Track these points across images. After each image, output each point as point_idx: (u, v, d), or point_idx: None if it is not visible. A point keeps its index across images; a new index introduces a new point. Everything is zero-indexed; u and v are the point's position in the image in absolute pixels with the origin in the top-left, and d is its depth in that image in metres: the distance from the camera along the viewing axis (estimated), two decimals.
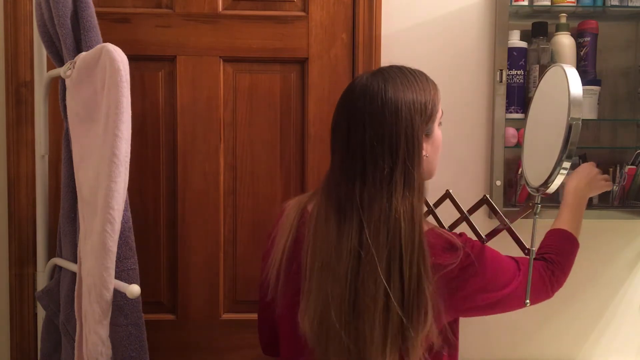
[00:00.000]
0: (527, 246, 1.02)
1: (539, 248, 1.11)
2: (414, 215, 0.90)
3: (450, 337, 0.95)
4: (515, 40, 1.48)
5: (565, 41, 1.46)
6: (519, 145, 1.49)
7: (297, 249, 0.98)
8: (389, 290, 0.87)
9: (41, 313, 1.38)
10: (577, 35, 1.50)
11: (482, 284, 0.95)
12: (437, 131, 1.00)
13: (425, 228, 0.94)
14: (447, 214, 1.19)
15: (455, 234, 0.99)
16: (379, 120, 0.91)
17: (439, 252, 0.92)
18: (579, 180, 1.22)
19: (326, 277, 0.91)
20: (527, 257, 1.00)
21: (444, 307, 0.90)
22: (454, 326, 0.99)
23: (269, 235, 1.07)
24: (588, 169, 1.25)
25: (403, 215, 0.89)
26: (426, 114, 0.94)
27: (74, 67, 1.13)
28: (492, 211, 1.11)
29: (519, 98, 1.48)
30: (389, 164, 0.90)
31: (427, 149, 0.97)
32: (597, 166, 1.51)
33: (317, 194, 1.00)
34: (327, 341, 0.90)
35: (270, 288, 1.00)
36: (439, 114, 0.99)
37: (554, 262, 1.07)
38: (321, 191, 0.98)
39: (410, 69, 0.98)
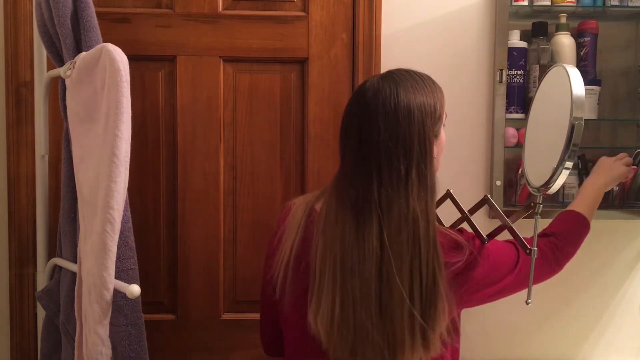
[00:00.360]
0: (529, 246, 1.02)
1: (547, 227, 1.16)
2: (429, 214, 0.93)
3: (455, 328, 0.98)
4: (515, 40, 1.48)
5: (565, 41, 1.46)
6: (519, 145, 1.49)
7: (305, 248, 0.98)
8: (412, 289, 0.90)
9: (41, 313, 1.38)
10: (577, 35, 1.50)
11: (484, 277, 0.98)
12: (443, 133, 1.03)
13: None
14: (447, 214, 1.19)
15: (456, 231, 1.01)
16: (393, 122, 0.93)
17: (447, 251, 0.95)
18: (596, 177, 1.27)
19: (343, 278, 0.91)
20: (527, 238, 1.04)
21: (453, 302, 0.94)
22: (457, 317, 1.02)
23: (274, 234, 1.07)
24: (605, 163, 1.31)
25: (420, 214, 0.92)
26: (435, 116, 0.97)
27: (74, 67, 1.13)
28: (493, 211, 1.11)
29: (519, 98, 1.48)
30: (404, 165, 0.92)
31: (435, 150, 0.99)
32: None
33: (326, 194, 1.01)
34: (354, 342, 0.91)
35: (278, 287, 1.00)
36: (445, 116, 1.02)
37: (557, 235, 1.12)
38: (331, 192, 0.99)
39: (417, 72, 1.00)
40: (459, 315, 1.03)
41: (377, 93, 0.95)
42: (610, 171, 1.28)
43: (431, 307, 0.90)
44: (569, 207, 1.22)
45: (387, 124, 0.93)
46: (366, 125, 0.94)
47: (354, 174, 0.95)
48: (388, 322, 0.90)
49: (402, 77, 0.97)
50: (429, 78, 1.01)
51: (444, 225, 1.21)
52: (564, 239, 1.12)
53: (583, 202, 1.23)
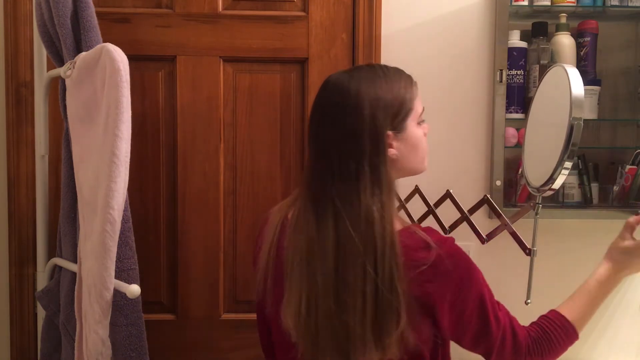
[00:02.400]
0: (528, 246, 1.02)
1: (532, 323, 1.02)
2: (384, 213, 0.89)
3: (437, 346, 0.93)
4: (515, 40, 1.48)
5: (565, 41, 1.46)
6: (519, 145, 1.49)
7: (280, 250, 0.98)
8: (366, 288, 0.87)
9: (41, 313, 1.38)
10: (577, 35, 1.50)
11: (450, 290, 0.90)
12: (413, 129, 0.97)
13: (399, 227, 0.93)
14: (447, 214, 1.19)
15: (429, 230, 0.94)
16: (342, 118, 0.92)
17: (413, 251, 0.90)
18: (626, 256, 1.06)
19: (308, 272, 0.91)
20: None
21: (417, 304, 0.88)
22: (443, 338, 0.94)
23: (256, 245, 1.08)
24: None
25: (374, 212, 0.89)
26: (392, 110, 0.93)
27: (74, 67, 1.13)
28: (493, 211, 1.11)
29: (519, 98, 1.48)
30: (354, 161, 0.90)
31: (398, 147, 0.95)
32: (597, 166, 1.53)
33: (299, 196, 1.00)
34: (316, 335, 0.90)
35: (260, 290, 1.01)
36: (416, 111, 0.97)
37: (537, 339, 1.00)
38: (300, 186, 0.99)
39: (384, 65, 0.98)
40: (442, 322, 0.92)
41: (333, 87, 0.94)
42: (634, 259, 1.06)
43: (387, 309, 0.87)
44: (568, 307, 1.03)
45: (337, 118, 0.92)
46: (321, 120, 0.94)
47: (314, 169, 0.95)
48: (343, 319, 0.88)
49: (362, 71, 0.95)
50: (397, 71, 0.97)
51: (443, 227, 1.21)
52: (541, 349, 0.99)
53: (589, 298, 1.04)
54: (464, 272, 0.91)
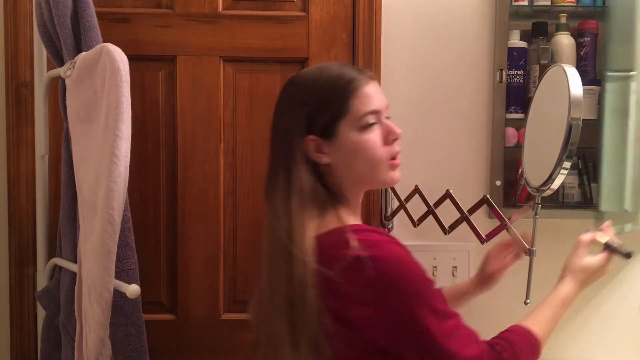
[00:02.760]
0: (528, 246, 1.02)
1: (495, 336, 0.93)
2: (294, 218, 0.86)
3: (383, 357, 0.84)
4: (515, 40, 1.48)
5: (565, 41, 1.47)
6: (519, 145, 1.49)
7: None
8: (287, 290, 0.84)
9: (41, 313, 1.38)
10: (577, 35, 1.50)
11: (369, 298, 0.81)
12: (349, 134, 0.88)
13: (332, 226, 0.87)
14: (447, 214, 1.19)
15: (372, 232, 0.87)
16: (274, 117, 0.95)
17: (332, 251, 0.84)
18: (586, 274, 1.02)
19: (264, 271, 0.92)
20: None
21: (328, 309, 0.82)
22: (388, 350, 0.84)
23: None
24: (591, 266, 1.02)
25: (281, 217, 0.87)
26: (307, 113, 0.88)
27: (74, 67, 1.13)
28: (493, 211, 1.11)
29: (519, 98, 1.48)
30: (273, 164, 0.92)
31: (331, 153, 0.89)
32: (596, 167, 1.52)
33: None
34: (258, 332, 0.93)
35: None
36: (352, 114, 0.87)
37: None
38: None
39: (335, 64, 0.94)
40: (368, 333, 0.83)
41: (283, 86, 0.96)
42: (593, 276, 1.03)
43: (299, 315, 0.82)
44: (534, 320, 0.97)
45: (273, 117, 0.95)
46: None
47: None
48: (271, 318, 0.87)
49: (310, 69, 0.96)
50: (340, 69, 0.90)
51: (443, 228, 1.21)
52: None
53: (553, 310, 0.99)
54: (391, 282, 0.80)
